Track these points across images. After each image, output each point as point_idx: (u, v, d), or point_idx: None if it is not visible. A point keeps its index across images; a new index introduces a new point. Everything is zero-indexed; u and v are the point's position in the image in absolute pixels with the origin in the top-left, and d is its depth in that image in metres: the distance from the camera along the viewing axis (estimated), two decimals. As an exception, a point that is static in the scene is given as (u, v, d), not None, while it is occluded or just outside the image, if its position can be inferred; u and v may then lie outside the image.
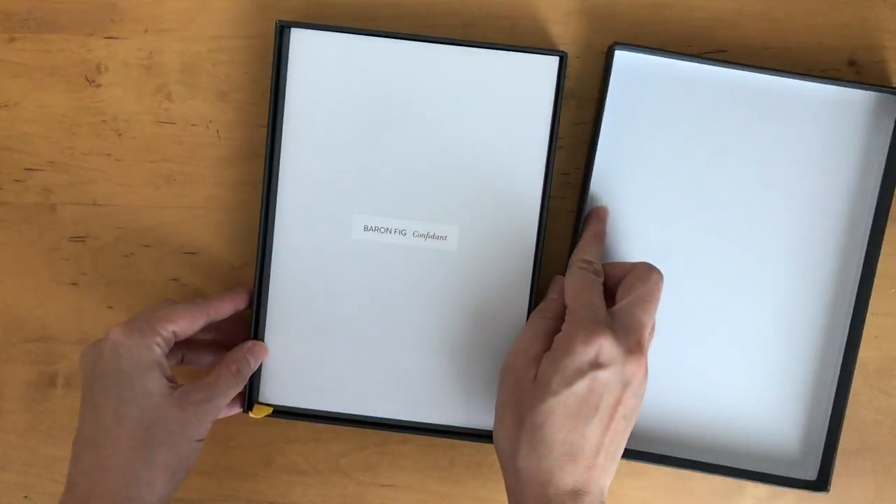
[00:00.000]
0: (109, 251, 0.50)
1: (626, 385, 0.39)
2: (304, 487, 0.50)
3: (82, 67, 0.49)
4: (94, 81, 0.49)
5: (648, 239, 0.47)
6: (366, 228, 0.46)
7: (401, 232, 0.46)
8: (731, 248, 0.47)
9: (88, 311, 0.50)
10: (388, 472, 0.50)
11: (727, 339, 0.48)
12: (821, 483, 0.48)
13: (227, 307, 0.46)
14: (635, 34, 0.48)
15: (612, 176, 0.47)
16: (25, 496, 0.51)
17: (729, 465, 0.48)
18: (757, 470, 0.48)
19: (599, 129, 0.45)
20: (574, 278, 0.43)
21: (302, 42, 0.45)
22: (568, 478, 0.38)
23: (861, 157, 0.47)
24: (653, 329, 0.42)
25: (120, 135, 0.49)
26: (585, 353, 0.39)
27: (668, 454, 0.48)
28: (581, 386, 0.38)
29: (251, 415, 0.47)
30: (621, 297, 0.42)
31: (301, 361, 0.47)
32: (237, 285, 0.49)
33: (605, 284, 0.43)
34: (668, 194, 0.47)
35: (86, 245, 0.50)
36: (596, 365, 0.39)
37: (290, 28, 0.45)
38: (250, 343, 0.46)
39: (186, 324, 0.43)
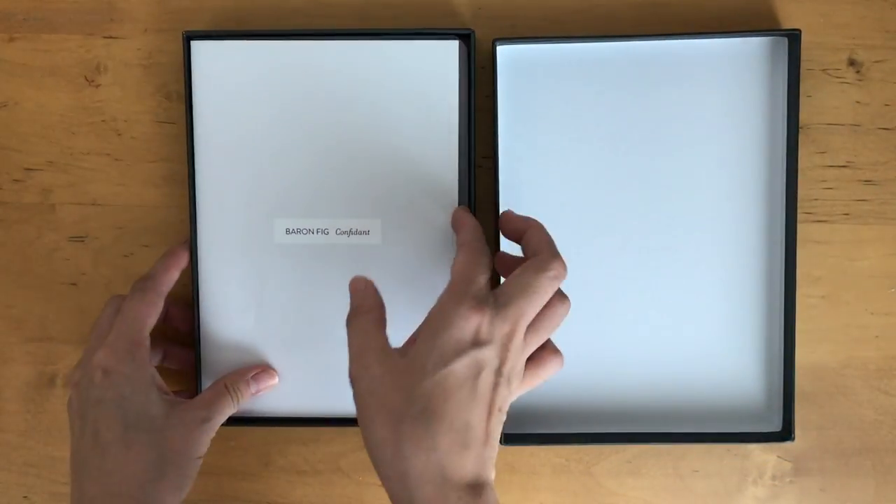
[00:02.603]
0: (109, 251, 0.50)
1: (499, 371, 0.36)
2: (304, 487, 0.50)
3: (82, 67, 0.49)
4: (93, 81, 0.49)
5: (572, 221, 0.47)
6: (288, 231, 0.46)
7: (323, 231, 0.46)
8: (657, 217, 0.47)
9: (88, 311, 0.50)
10: (388, 472, 0.50)
11: (669, 307, 0.48)
12: (785, 433, 0.48)
13: (173, 274, 0.45)
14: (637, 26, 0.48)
15: (522, 168, 0.47)
16: (25, 496, 0.51)
17: (695, 431, 0.48)
18: (723, 431, 0.48)
19: (497, 123, 0.46)
20: (463, 253, 0.39)
21: (203, 53, 0.45)
22: (463, 469, 0.35)
23: (764, 101, 0.47)
24: (540, 330, 0.38)
25: (120, 135, 0.49)
26: (466, 329, 0.35)
27: (630, 431, 0.48)
28: (460, 365, 0.35)
29: None
30: (510, 276, 0.38)
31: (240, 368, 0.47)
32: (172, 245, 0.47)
33: (512, 237, 0.41)
34: (585, 176, 0.47)
35: (86, 245, 0.50)
36: (476, 343, 0.35)
37: (189, 41, 0.45)
38: (257, 369, 0.46)
39: (154, 317, 0.44)
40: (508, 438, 0.48)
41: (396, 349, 0.38)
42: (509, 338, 0.36)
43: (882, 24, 0.48)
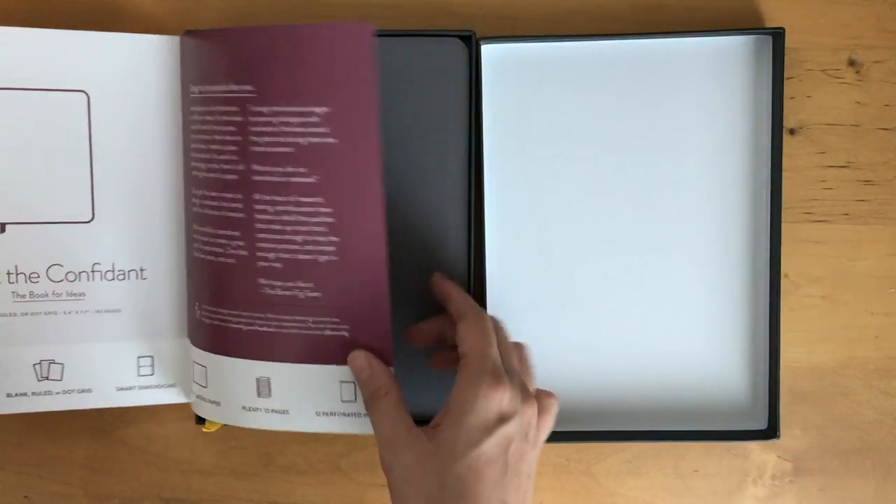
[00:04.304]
0: (109, 251, 0.49)
1: (525, 437, 0.37)
2: (304, 487, 0.50)
3: (82, 67, 0.49)
4: (93, 81, 0.49)
5: (557, 221, 0.48)
6: None
7: None
8: (643, 217, 0.47)
9: (88, 311, 0.50)
10: (388, 472, 0.50)
11: (656, 307, 0.48)
12: (770, 431, 0.48)
13: None
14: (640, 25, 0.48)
15: (507, 168, 0.47)
16: (25, 496, 0.51)
17: (683, 429, 0.48)
18: (710, 429, 0.48)
19: (481, 123, 0.46)
20: (474, 327, 0.39)
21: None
22: None
23: (752, 100, 0.47)
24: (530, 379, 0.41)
25: (120, 135, 0.49)
26: (489, 408, 0.35)
27: (617, 429, 0.48)
28: (489, 444, 0.35)
29: (204, 430, 0.47)
30: (465, 351, 0.38)
31: None
32: None
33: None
34: (569, 175, 0.47)
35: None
36: (501, 419, 0.35)
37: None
38: None
39: None
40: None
41: (424, 430, 0.37)
42: (528, 402, 0.37)
43: (882, 24, 0.48)
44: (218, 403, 0.44)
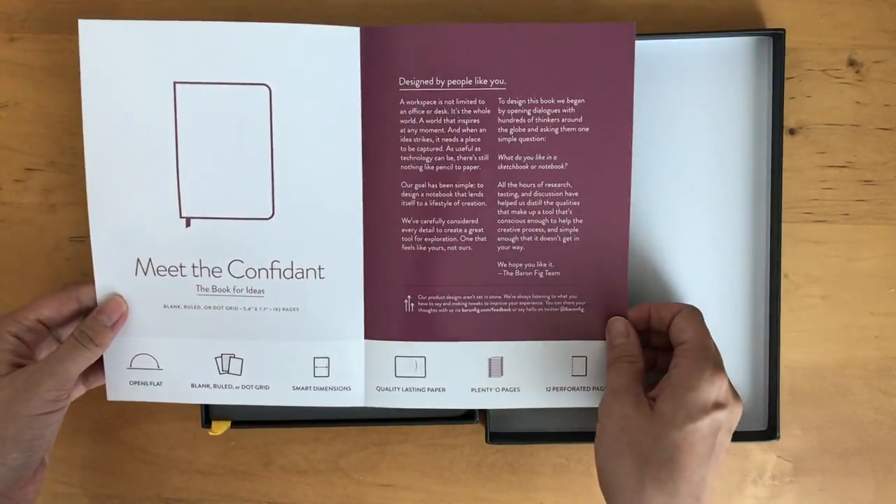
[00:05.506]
0: (109, 251, 0.50)
1: (729, 429, 0.40)
2: (304, 487, 0.50)
3: (82, 67, 0.49)
4: (94, 81, 0.49)
5: None
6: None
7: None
8: (645, 215, 0.47)
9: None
10: (388, 472, 0.50)
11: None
12: (770, 431, 0.48)
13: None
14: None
15: None
16: (25, 496, 0.51)
17: None
18: None
19: None
20: (693, 321, 0.42)
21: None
22: None
23: (755, 100, 0.47)
24: None
25: (120, 135, 0.49)
26: (710, 392, 0.39)
27: None
28: (704, 424, 0.39)
29: (210, 433, 0.48)
30: (686, 339, 0.42)
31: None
32: None
33: (652, 327, 0.44)
34: None
35: (86, 245, 0.49)
36: (718, 405, 0.39)
37: None
38: (101, 303, 0.45)
39: (51, 310, 0.44)
40: (506, 437, 0.48)
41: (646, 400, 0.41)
42: (737, 401, 0.41)
43: (882, 24, 0.48)
44: (442, 390, 0.46)
